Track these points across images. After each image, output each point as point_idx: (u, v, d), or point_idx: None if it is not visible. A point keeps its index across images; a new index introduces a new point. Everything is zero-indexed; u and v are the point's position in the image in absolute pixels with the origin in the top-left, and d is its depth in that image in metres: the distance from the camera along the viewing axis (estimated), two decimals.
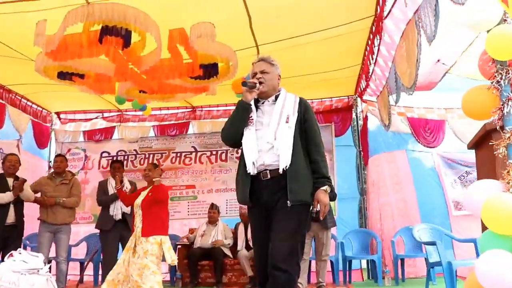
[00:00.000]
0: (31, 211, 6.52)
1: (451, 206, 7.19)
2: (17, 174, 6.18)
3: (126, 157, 9.16)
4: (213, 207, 7.86)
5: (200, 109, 9.18)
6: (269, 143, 3.08)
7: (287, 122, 3.12)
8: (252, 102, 3.20)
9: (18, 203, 6.01)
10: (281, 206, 3.00)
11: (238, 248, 7.42)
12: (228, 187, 8.75)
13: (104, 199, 6.61)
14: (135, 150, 9.38)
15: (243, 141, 3.18)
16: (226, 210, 8.56)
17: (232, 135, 3.24)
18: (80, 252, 8.29)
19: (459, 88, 7.00)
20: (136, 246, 5.03)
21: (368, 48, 6.25)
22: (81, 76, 5.78)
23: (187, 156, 9.14)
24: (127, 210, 6.35)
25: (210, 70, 5.68)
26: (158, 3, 4.85)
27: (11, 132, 8.23)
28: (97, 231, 6.75)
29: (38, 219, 6.27)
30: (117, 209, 6.45)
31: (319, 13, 5.33)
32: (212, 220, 7.76)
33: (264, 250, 3.07)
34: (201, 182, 8.94)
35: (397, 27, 5.33)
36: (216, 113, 9.12)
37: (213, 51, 5.26)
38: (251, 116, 3.20)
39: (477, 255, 5.92)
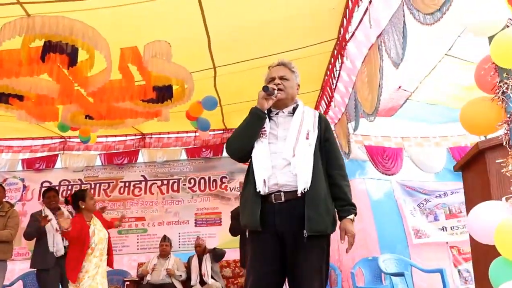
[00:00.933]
0: None
1: (411, 234, 7.00)
2: None
3: (70, 187, 8.52)
4: (165, 240, 7.36)
5: (150, 136, 8.71)
6: (285, 160, 2.70)
7: (307, 138, 2.76)
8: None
9: None
10: (300, 239, 2.58)
11: (192, 283, 6.94)
12: (180, 219, 8.30)
13: (27, 231, 5.95)
14: (79, 179, 8.79)
15: (254, 154, 2.79)
16: (179, 244, 8.08)
17: (242, 146, 2.85)
18: None
19: (415, 117, 6.98)
20: None
21: (328, 72, 6.04)
22: (20, 97, 5.24)
23: (136, 186, 8.63)
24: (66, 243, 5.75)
25: (163, 93, 5.29)
26: (108, 19, 4.43)
27: None
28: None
29: None
30: (57, 244, 5.83)
31: (280, 35, 5.07)
32: (164, 254, 7.23)
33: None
34: (151, 214, 8.43)
35: (360, 51, 5.16)
36: (167, 140, 8.67)
37: (168, 72, 4.87)
38: (264, 127, 2.83)
39: (444, 285, 5.82)
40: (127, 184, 8.65)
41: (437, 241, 7.01)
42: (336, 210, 2.75)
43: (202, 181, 8.55)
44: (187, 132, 8.55)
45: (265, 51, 5.35)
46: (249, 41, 5.09)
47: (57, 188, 8.43)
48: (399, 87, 5.65)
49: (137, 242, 8.26)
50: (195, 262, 7.14)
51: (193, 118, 6.47)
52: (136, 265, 7.76)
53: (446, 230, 7.07)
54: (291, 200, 2.64)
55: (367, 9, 4.46)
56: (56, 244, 5.83)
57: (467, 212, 2.48)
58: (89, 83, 4.89)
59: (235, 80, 5.90)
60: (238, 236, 6.17)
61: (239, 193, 8.32)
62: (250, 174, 2.81)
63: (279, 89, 2.85)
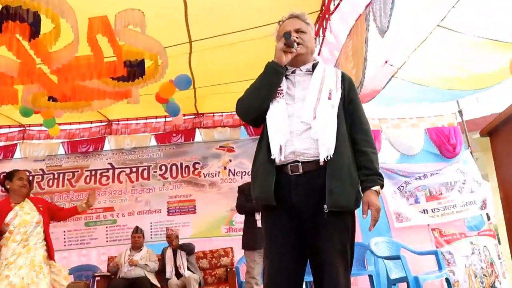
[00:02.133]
0: None
1: (393, 218, 6.82)
2: None
3: (31, 178, 7.96)
4: (138, 231, 6.98)
5: (117, 122, 8.24)
6: (305, 123, 2.36)
7: (329, 99, 2.41)
8: None
9: None
10: (320, 217, 2.24)
11: (167, 275, 6.57)
12: (152, 209, 7.88)
13: None
14: (41, 169, 8.22)
15: (268, 116, 2.44)
16: (151, 235, 7.66)
17: (255, 106, 2.49)
18: None
19: (395, 97, 6.79)
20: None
21: None
22: None
23: (103, 174, 8.13)
24: None
25: (135, 70, 4.87)
26: None
27: None
28: None
29: None
30: None
31: (260, 7, 4.73)
32: (136, 246, 6.84)
33: (287, 276, 2.31)
34: (120, 203, 7.94)
35: (345, 23, 4.89)
36: (135, 126, 8.23)
37: (141, 45, 4.45)
38: (280, 86, 2.48)
39: (440, 267, 5.67)
40: (93, 172, 8.14)
41: (418, 224, 6.85)
42: (359, 180, 2.41)
43: (174, 167, 8.12)
44: (156, 117, 8.14)
45: (242, 25, 5.01)
46: (228, 13, 4.75)
47: None
48: (386, 62, 5.39)
49: (106, 234, 7.77)
50: (169, 253, 6.78)
51: (163, 100, 6.09)
52: (106, 259, 7.31)
53: (427, 213, 6.91)
54: (310, 171, 2.31)
55: None
56: None
57: (498, 177, 2.23)
58: (53, 59, 4.42)
59: (213, 59, 5.55)
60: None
61: (213, 179, 7.99)
62: (263, 140, 2.46)
63: (297, 43, 2.48)
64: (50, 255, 4.56)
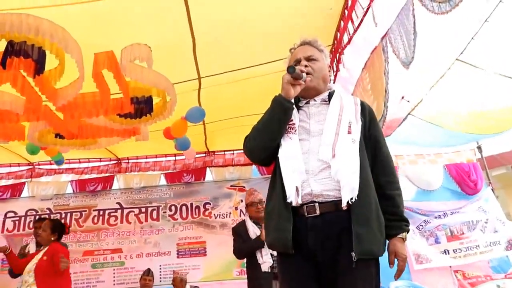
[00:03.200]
0: None
1: (412, 259, 6.50)
2: None
3: (37, 217, 7.76)
4: (149, 274, 6.68)
5: (127, 161, 8.09)
6: (322, 162, 2.13)
7: (349, 133, 2.19)
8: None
9: None
10: (340, 265, 2.01)
11: None
12: (161, 250, 7.64)
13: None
14: (48, 208, 8.06)
15: (281, 155, 2.21)
16: (160, 278, 7.38)
17: (263, 146, 2.28)
18: None
19: (410, 136, 6.57)
20: None
21: None
22: None
23: (111, 214, 7.93)
24: None
25: (142, 107, 4.74)
26: (79, 20, 3.91)
27: None
28: None
29: None
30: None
31: (270, 42, 4.59)
32: None
33: None
34: (128, 245, 7.71)
35: (359, 56, 4.75)
36: (144, 165, 8.07)
37: (148, 81, 4.32)
38: (292, 119, 2.26)
39: None
40: (101, 212, 7.95)
41: (439, 265, 6.51)
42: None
43: (184, 208, 7.91)
44: (166, 155, 7.99)
45: (254, 60, 4.87)
46: (237, 48, 4.61)
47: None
48: (402, 98, 5.21)
49: (114, 277, 7.50)
50: None
51: (171, 137, 5.93)
52: None
53: (448, 253, 6.59)
54: (328, 213, 2.09)
55: (368, 7, 4.04)
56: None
57: None
58: (59, 95, 4.31)
59: (222, 94, 5.39)
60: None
61: (224, 220, 7.74)
62: (276, 180, 2.23)
63: (307, 73, 2.28)
64: None
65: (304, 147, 2.21)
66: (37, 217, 7.72)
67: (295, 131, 2.24)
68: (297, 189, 2.10)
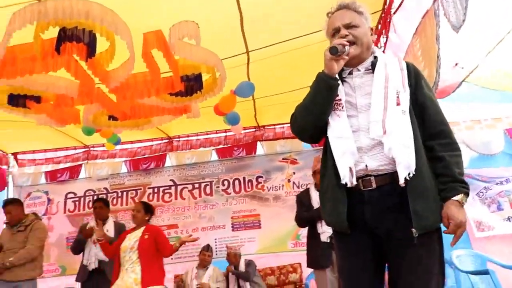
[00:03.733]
0: None
1: (473, 227, 6.32)
2: None
3: (95, 197, 8.03)
4: (208, 249, 6.77)
5: (178, 139, 8.20)
6: (373, 139, 2.05)
7: (398, 104, 2.06)
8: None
9: None
10: (401, 240, 1.96)
11: None
12: (216, 224, 7.76)
13: (72, 246, 5.67)
14: (105, 188, 8.30)
15: (330, 135, 2.13)
16: (216, 251, 7.45)
17: (309, 125, 2.20)
18: None
19: (466, 100, 6.34)
20: None
21: None
22: (37, 99, 4.77)
23: (165, 191, 8.09)
24: (104, 257, 5.34)
25: (192, 84, 4.76)
26: (127, 1, 3.91)
27: None
28: (70, 284, 5.87)
29: None
30: (91, 257, 5.44)
31: (316, 12, 4.47)
32: (204, 264, 6.67)
33: None
34: (184, 220, 7.88)
35: (410, 21, 4.57)
36: (195, 142, 8.14)
37: (197, 58, 4.31)
38: (338, 95, 2.15)
39: None
40: (155, 190, 8.13)
41: (503, 233, 6.29)
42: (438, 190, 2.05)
43: (236, 182, 7.98)
44: (216, 132, 8.03)
45: (301, 30, 4.77)
46: (285, 19, 4.53)
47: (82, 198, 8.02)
48: (456, 64, 5.01)
49: None
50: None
51: (222, 113, 5.94)
52: (172, 276, 7.22)
53: None
54: (384, 186, 2.02)
55: None
56: (90, 258, 5.44)
57: None
58: (111, 77, 4.37)
59: (271, 67, 5.33)
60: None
61: (277, 192, 7.76)
62: (328, 160, 2.16)
63: (349, 43, 2.13)
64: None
65: (353, 125, 2.11)
66: (95, 197, 7.98)
67: (342, 107, 2.13)
68: (350, 170, 2.04)
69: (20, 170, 8.59)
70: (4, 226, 5.38)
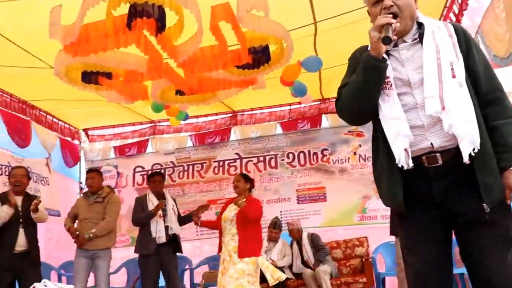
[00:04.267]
0: (65, 235, 5.66)
1: None
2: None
3: (163, 171, 8.25)
4: (275, 227, 6.82)
5: (242, 113, 8.25)
6: (431, 117, 1.93)
7: (453, 77, 1.92)
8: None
9: (30, 226, 5.01)
10: (475, 212, 1.88)
11: (295, 269, 6.53)
12: (281, 197, 7.80)
13: (140, 217, 5.74)
14: (172, 162, 8.49)
15: (382, 116, 2.01)
16: (281, 224, 7.48)
17: (358, 109, 2.10)
18: (118, 279, 7.37)
19: None
20: (228, 266, 4.66)
21: (444, 16, 5.20)
22: (108, 75, 4.88)
23: (231, 164, 8.19)
24: (178, 230, 5.59)
25: (260, 56, 4.72)
26: None
27: (39, 150, 7.44)
28: (137, 255, 5.89)
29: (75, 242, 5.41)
30: (160, 231, 5.56)
31: None
32: (272, 239, 6.76)
33: (436, 270, 1.99)
34: None
35: None
36: (260, 116, 8.17)
37: (265, 30, 4.27)
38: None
39: None
40: (221, 163, 8.23)
41: None
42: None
43: (302, 155, 7.93)
44: (280, 105, 8.00)
45: None
46: None
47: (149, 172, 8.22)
48: None
49: None
50: (295, 246, 6.65)
51: (288, 83, 5.87)
52: None
53: None
54: (450, 161, 1.92)
55: None
56: (159, 231, 5.57)
57: None
58: (179, 52, 4.41)
59: (338, 38, 5.20)
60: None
61: (343, 165, 7.68)
62: (379, 143, 2.05)
63: (392, 15, 1.95)
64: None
65: (409, 103, 1.99)
66: (163, 171, 8.17)
67: (391, 85, 1.99)
68: (406, 151, 1.93)
69: (90, 145, 8.94)
70: (79, 196, 5.61)
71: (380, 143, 2.05)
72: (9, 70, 5.50)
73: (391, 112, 1.98)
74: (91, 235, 5.21)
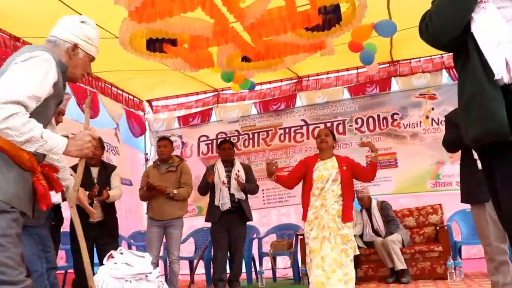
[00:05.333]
0: (135, 206, 5.71)
1: None
2: (114, 165, 5.35)
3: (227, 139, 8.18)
4: None
5: (307, 79, 8.00)
6: None
7: None
8: None
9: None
10: None
11: (366, 238, 6.31)
12: None
13: (199, 186, 5.80)
14: (236, 131, 8.43)
15: (477, 28, 1.77)
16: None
17: (453, 21, 1.81)
18: (186, 249, 7.38)
19: None
20: (335, 233, 4.18)
21: None
22: (173, 42, 4.79)
23: (297, 131, 8.01)
24: (242, 196, 5.53)
25: (330, 17, 4.49)
26: None
27: (106, 121, 7.58)
28: (206, 224, 5.98)
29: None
30: (223, 198, 5.53)
31: None
32: None
33: None
34: None
35: None
36: (326, 81, 7.92)
37: None
38: None
39: None
40: (287, 130, 8.07)
41: None
42: None
43: (370, 120, 7.65)
44: (347, 69, 7.73)
45: None
46: None
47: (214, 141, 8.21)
48: None
49: None
50: (365, 215, 6.44)
51: (356, 47, 5.59)
52: None
53: None
54: None
55: None
56: (222, 198, 5.53)
57: None
58: (246, 14, 4.27)
59: None
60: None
61: (415, 129, 7.35)
62: (469, 65, 1.78)
63: None
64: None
65: (506, 15, 1.73)
66: (227, 139, 8.11)
67: None
68: (507, 63, 1.67)
69: (155, 116, 9.00)
70: (144, 167, 5.57)
71: (473, 59, 1.77)
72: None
73: (490, 23, 1.74)
74: (171, 193, 5.21)
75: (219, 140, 8.16)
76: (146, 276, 3.82)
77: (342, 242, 4.14)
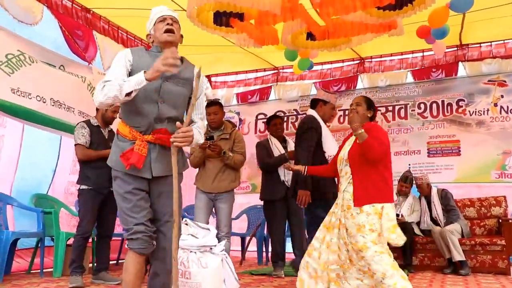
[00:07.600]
0: (189, 179, 5.58)
1: None
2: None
3: (286, 118, 8.19)
4: (406, 181, 6.46)
5: (370, 60, 7.85)
6: None
7: None
8: None
9: None
10: None
11: (423, 226, 6.23)
12: (410, 149, 7.43)
13: (271, 161, 5.58)
14: (295, 110, 8.41)
15: None
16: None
17: None
18: (238, 226, 7.36)
19: None
20: (345, 220, 3.32)
21: None
22: (240, 17, 4.76)
23: None
24: None
25: None
26: None
27: None
28: (259, 202, 5.86)
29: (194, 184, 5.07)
30: (289, 173, 5.36)
31: None
32: (403, 193, 6.47)
33: None
34: None
35: None
36: (389, 63, 7.74)
37: None
38: None
39: None
40: (346, 112, 7.88)
41: None
42: None
43: (434, 105, 7.41)
44: (412, 52, 7.49)
45: None
46: None
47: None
48: None
49: None
50: (423, 202, 6.31)
51: (425, 35, 5.40)
52: None
53: None
54: None
55: None
56: (287, 174, 5.42)
57: None
58: None
59: None
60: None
61: (481, 117, 7.10)
62: None
63: None
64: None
65: None
66: (285, 118, 8.08)
67: None
68: None
69: (213, 91, 9.02)
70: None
71: None
72: (140, 13, 5.55)
73: None
74: (230, 154, 4.83)
75: None
76: (211, 248, 3.87)
77: (354, 233, 3.22)
